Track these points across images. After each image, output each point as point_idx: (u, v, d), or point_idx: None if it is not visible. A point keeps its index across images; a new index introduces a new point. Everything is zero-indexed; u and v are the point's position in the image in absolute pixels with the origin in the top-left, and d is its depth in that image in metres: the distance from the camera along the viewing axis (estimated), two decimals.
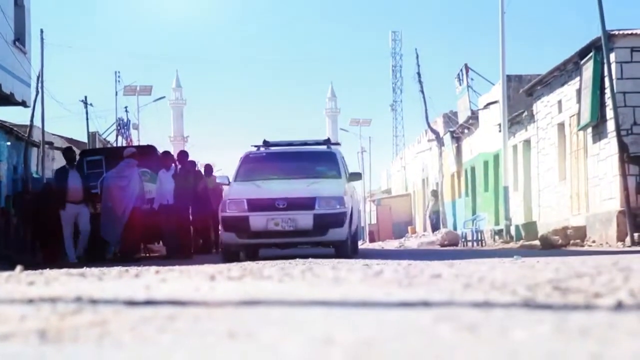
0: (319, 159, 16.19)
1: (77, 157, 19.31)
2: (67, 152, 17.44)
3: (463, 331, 2.32)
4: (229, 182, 15.70)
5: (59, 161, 31.71)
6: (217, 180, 15.99)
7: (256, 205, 13.98)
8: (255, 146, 16.67)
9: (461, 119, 36.16)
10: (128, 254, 16.88)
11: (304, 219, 13.88)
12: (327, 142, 16.83)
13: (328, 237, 13.99)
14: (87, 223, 16.39)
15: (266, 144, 16.61)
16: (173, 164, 17.94)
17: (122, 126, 49.09)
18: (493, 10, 26.44)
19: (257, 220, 13.85)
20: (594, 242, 19.91)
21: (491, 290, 3.51)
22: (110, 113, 49.86)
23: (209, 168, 22.79)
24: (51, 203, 16.81)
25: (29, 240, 25.18)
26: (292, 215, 13.88)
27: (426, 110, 40.40)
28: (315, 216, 13.88)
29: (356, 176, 16.27)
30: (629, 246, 17.66)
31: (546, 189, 25.56)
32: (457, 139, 37.78)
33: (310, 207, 13.97)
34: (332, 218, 13.93)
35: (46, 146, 31.01)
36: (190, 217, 17.79)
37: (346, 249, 14.04)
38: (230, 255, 14.02)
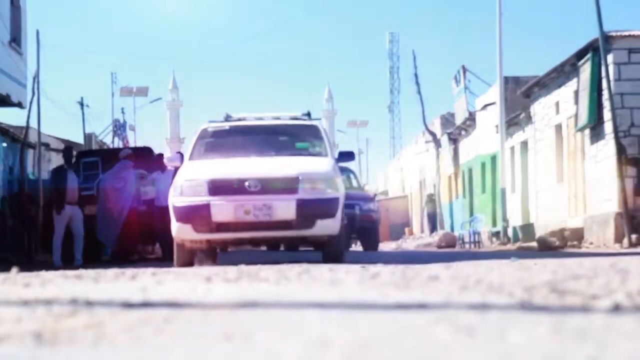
0: (298, 133, 12.76)
1: (74, 158, 19.30)
2: (67, 152, 17.41)
3: (460, 333, 2.32)
4: (182, 162, 12.38)
5: (55, 162, 31.73)
6: (167, 162, 12.52)
7: (220, 187, 10.85)
8: (214, 121, 13.05)
9: (458, 120, 36.21)
10: (124, 255, 16.88)
11: (284, 206, 10.78)
12: (306, 117, 13.21)
13: (315, 230, 10.91)
14: (80, 226, 16.32)
15: (228, 118, 13.04)
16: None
17: (119, 127, 49.13)
18: (491, 12, 26.54)
19: (222, 208, 10.75)
20: (591, 243, 19.93)
21: (488, 292, 3.51)
22: (107, 114, 49.79)
23: None
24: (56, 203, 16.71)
25: (25, 241, 25.18)
26: (268, 200, 10.78)
27: (423, 111, 40.48)
28: (299, 202, 10.80)
29: (347, 157, 12.72)
30: (627, 248, 17.68)
31: (543, 191, 25.59)
32: (454, 140, 37.83)
33: (291, 190, 10.88)
34: (321, 205, 10.92)
35: (42, 147, 30.99)
36: None
37: (339, 248, 11.28)
38: (186, 256, 11.17)
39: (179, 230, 10.92)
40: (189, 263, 11.02)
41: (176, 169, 17.97)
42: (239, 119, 12.94)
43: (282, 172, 11.11)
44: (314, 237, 11.19)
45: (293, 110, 13.47)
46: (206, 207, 10.75)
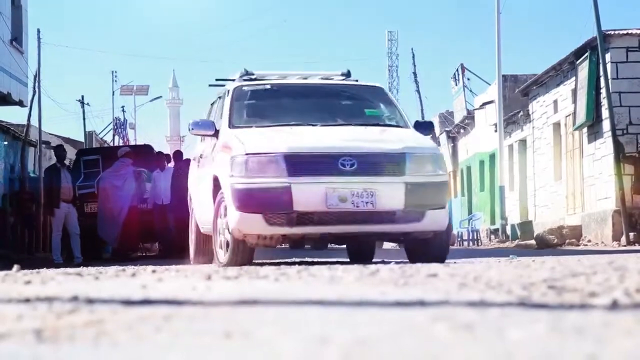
0: (361, 97, 10.14)
1: (75, 156, 19.37)
2: (59, 150, 17.43)
3: (459, 330, 2.33)
4: (215, 130, 9.45)
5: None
6: (194, 130, 9.53)
7: (303, 164, 8.27)
8: (226, 80, 10.52)
9: (457, 118, 36.23)
10: (125, 253, 16.90)
11: (390, 192, 8.31)
12: (344, 77, 10.54)
13: (424, 225, 8.47)
14: (76, 224, 16.34)
15: (246, 76, 10.21)
16: (167, 164, 18.06)
17: (119, 126, 49.23)
18: (489, 10, 26.65)
19: (308, 193, 8.18)
20: (589, 241, 19.95)
21: (487, 290, 3.51)
22: (107, 112, 49.98)
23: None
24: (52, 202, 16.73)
25: (25, 239, 25.20)
26: (370, 183, 8.25)
27: (422, 110, 40.62)
28: (409, 187, 8.33)
29: (426, 128, 9.77)
30: (624, 245, 17.72)
31: (542, 189, 25.60)
32: (453, 138, 37.85)
33: (397, 171, 8.36)
34: (432, 191, 8.51)
35: (43, 146, 31.05)
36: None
37: (445, 249, 8.95)
38: (244, 255, 8.64)
39: (243, 222, 8.32)
40: (246, 263, 8.49)
41: (176, 163, 18.12)
42: (257, 78, 10.25)
43: (383, 145, 8.57)
44: (420, 233, 8.64)
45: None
46: (286, 190, 8.19)
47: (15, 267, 6.15)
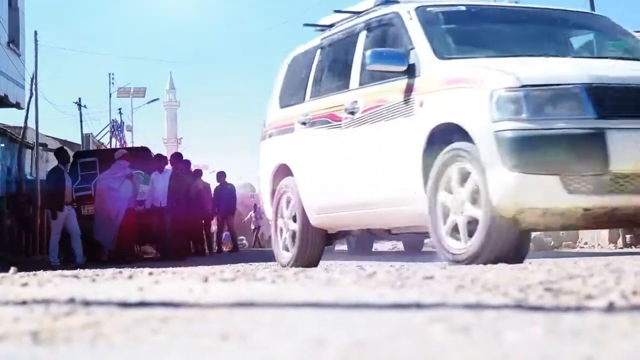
0: (592, 27, 8.12)
1: (72, 158, 19.37)
2: (62, 153, 17.41)
3: (456, 333, 2.33)
4: (408, 65, 6.97)
5: (53, 163, 31.78)
6: (374, 63, 7.04)
7: (619, 100, 5.92)
8: (347, 12, 8.44)
9: None
10: (121, 255, 16.88)
11: None
12: None
13: None
14: (76, 226, 16.38)
15: (386, 4, 7.91)
16: (166, 167, 18.10)
17: (116, 128, 49.19)
18: None
19: (632, 143, 5.81)
20: (585, 243, 19.95)
21: (483, 292, 3.52)
22: (104, 115, 50.21)
23: (198, 172, 23.12)
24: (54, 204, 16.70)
25: (23, 241, 25.19)
26: None
27: None
28: None
29: None
30: (621, 248, 17.72)
31: None
32: None
33: None
34: None
35: (40, 148, 31.02)
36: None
37: None
38: (508, 241, 6.08)
39: (524, 189, 5.83)
40: (509, 258, 6.05)
41: (174, 166, 18.17)
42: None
43: None
44: None
45: None
46: (597, 140, 5.75)
47: (12, 269, 6.14)
